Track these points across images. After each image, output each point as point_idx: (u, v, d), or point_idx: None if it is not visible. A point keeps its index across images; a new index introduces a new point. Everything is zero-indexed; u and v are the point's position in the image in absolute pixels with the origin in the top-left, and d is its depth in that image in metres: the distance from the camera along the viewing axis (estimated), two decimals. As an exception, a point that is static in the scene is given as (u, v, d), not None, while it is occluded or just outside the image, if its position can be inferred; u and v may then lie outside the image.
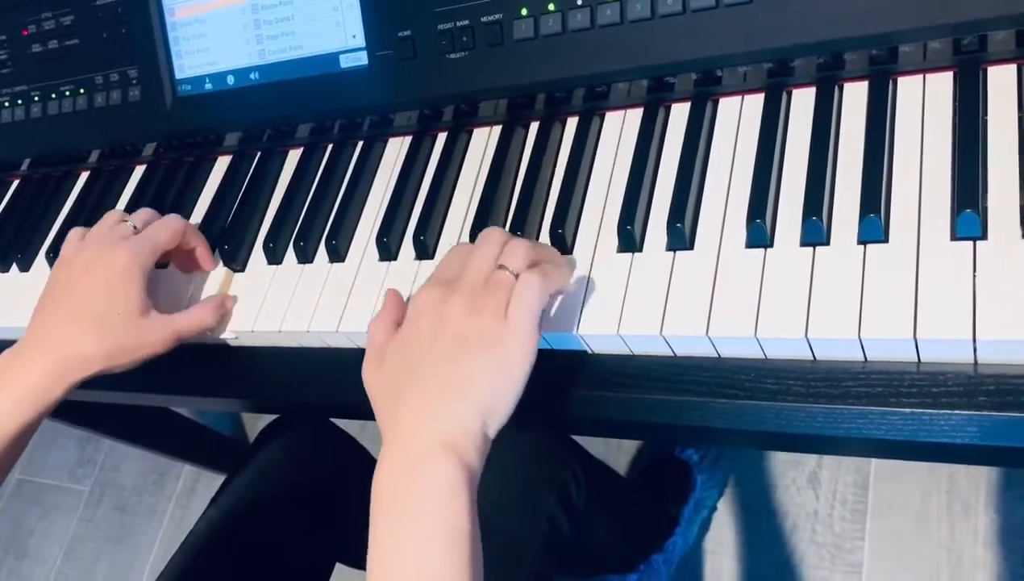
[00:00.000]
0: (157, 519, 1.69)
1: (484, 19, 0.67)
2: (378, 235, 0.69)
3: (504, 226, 0.66)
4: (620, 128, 0.67)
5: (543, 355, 0.60)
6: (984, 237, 0.50)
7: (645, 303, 0.57)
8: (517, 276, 0.53)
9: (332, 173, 0.76)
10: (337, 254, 0.71)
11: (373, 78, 0.72)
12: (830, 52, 0.59)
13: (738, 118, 0.63)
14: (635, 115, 0.67)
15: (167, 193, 0.83)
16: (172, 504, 1.69)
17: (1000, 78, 0.55)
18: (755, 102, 0.62)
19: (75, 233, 0.72)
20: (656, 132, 0.65)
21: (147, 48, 0.81)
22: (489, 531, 0.76)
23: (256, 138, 0.82)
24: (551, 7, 0.65)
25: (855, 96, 0.59)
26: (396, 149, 0.76)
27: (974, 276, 0.49)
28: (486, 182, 0.69)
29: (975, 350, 0.48)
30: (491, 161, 0.70)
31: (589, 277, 0.60)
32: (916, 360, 0.51)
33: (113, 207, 0.87)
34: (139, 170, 0.89)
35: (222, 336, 0.72)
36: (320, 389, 0.70)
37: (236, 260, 0.75)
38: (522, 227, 0.64)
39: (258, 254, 0.75)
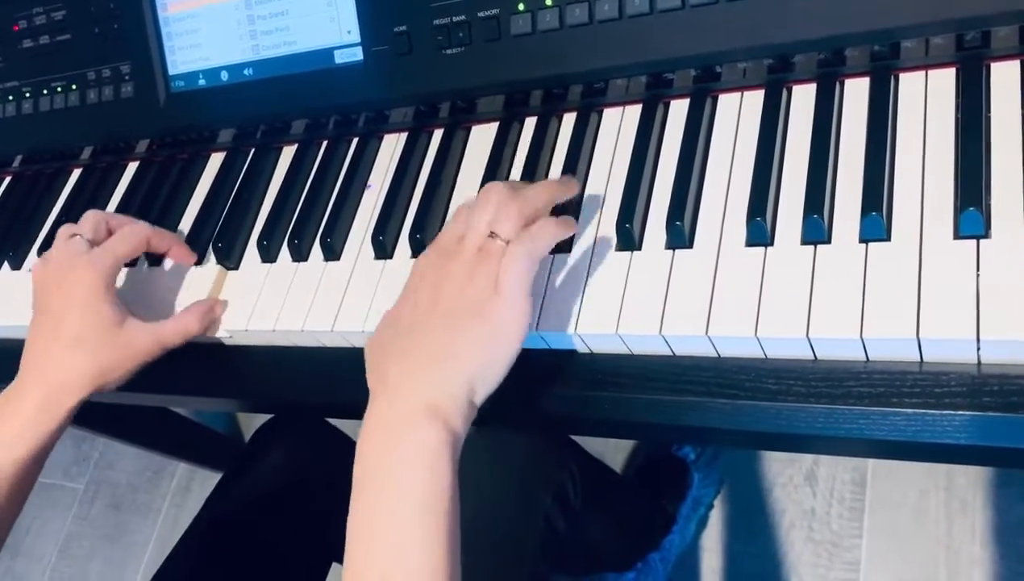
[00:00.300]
0: (152, 517, 1.69)
1: (481, 14, 0.67)
2: (374, 233, 0.68)
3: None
4: (618, 125, 0.66)
5: (540, 354, 0.59)
6: (988, 235, 0.50)
7: (644, 302, 0.56)
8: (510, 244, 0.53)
9: (327, 170, 0.75)
10: (332, 252, 0.70)
11: (368, 74, 0.72)
12: (831, 48, 0.58)
13: (738, 115, 0.62)
14: (633, 112, 0.66)
15: (160, 190, 0.83)
16: (167, 502, 1.69)
17: (1003, 74, 0.55)
18: (755, 98, 0.61)
19: (41, 259, 0.69)
20: (655, 129, 0.64)
21: (140, 43, 0.80)
22: (486, 530, 0.76)
23: (250, 135, 0.81)
24: (548, 2, 0.64)
25: (856, 93, 0.59)
26: (392, 146, 0.75)
27: (977, 275, 0.48)
28: (482, 179, 0.68)
29: (979, 350, 0.48)
30: (488, 158, 0.69)
31: (587, 275, 0.59)
32: (919, 360, 0.50)
33: (106, 204, 0.86)
34: (132, 167, 0.88)
35: (216, 335, 0.71)
36: (315, 389, 0.70)
37: (230, 258, 0.74)
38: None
39: (252, 252, 0.74)
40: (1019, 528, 1.13)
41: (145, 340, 0.67)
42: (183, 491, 1.68)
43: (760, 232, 0.55)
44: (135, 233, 0.70)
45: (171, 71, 0.80)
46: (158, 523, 1.67)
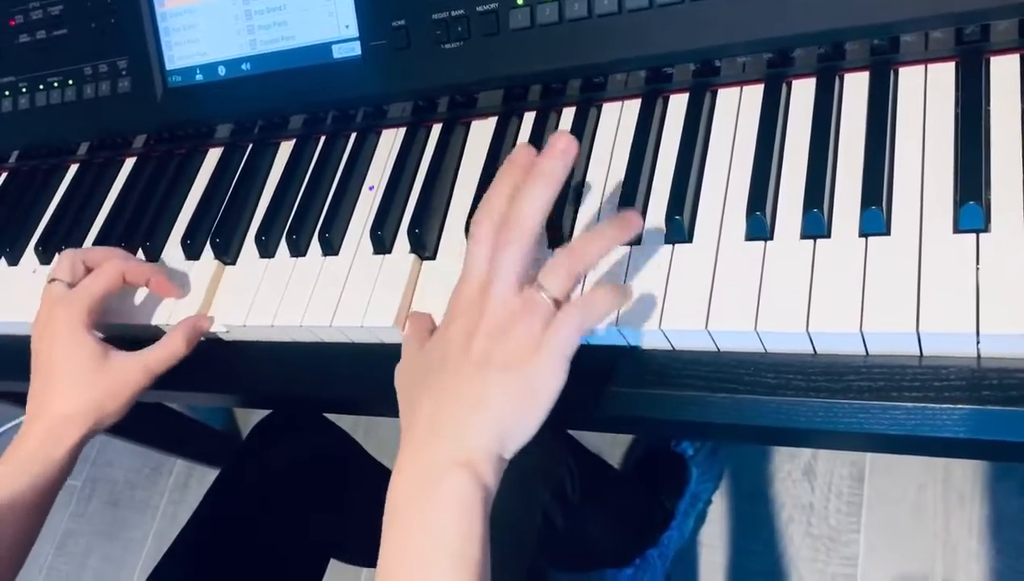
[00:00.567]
0: (150, 514, 1.68)
1: (480, 8, 0.66)
2: (372, 228, 0.68)
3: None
4: (617, 119, 0.66)
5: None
6: (987, 229, 0.50)
7: (642, 297, 0.56)
8: (557, 302, 0.50)
9: (325, 165, 0.75)
10: (330, 247, 0.70)
11: (366, 69, 0.71)
12: (831, 42, 0.58)
13: (737, 109, 0.62)
14: (632, 106, 0.66)
15: (157, 186, 0.82)
16: (165, 499, 1.68)
17: (1003, 68, 0.55)
18: (754, 93, 0.61)
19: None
20: (654, 124, 0.64)
21: (137, 38, 0.80)
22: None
23: (248, 130, 0.81)
24: (547, -4, 0.64)
25: (856, 87, 0.59)
26: (390, 141, 0.75)
27: (977, 269, 0.48)
28: (481, 174, 0.68)
29: (978, 344, 0.48)
30: (486, 152, 0.69)
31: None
32: (918, 354, 0.50)
33: (103, 200, 0.86)
34: (129, 162, 0.87)
35: (212, 329, 0.71)
36: (313, 384, 0.70)
37: (227, 254, 0.74)
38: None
39: (250, 247, 0.74)
40: (1016, 522, 1.14)
41: (133, 370, 0.68)
42: (181, 488, 1.68)
43: (760, 226, 0.55)
44: (108, 270, 0.70)
45: (168, 66, 0.80)
46: (156, 520, 1.67)
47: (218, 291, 0.73)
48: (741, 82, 0.62)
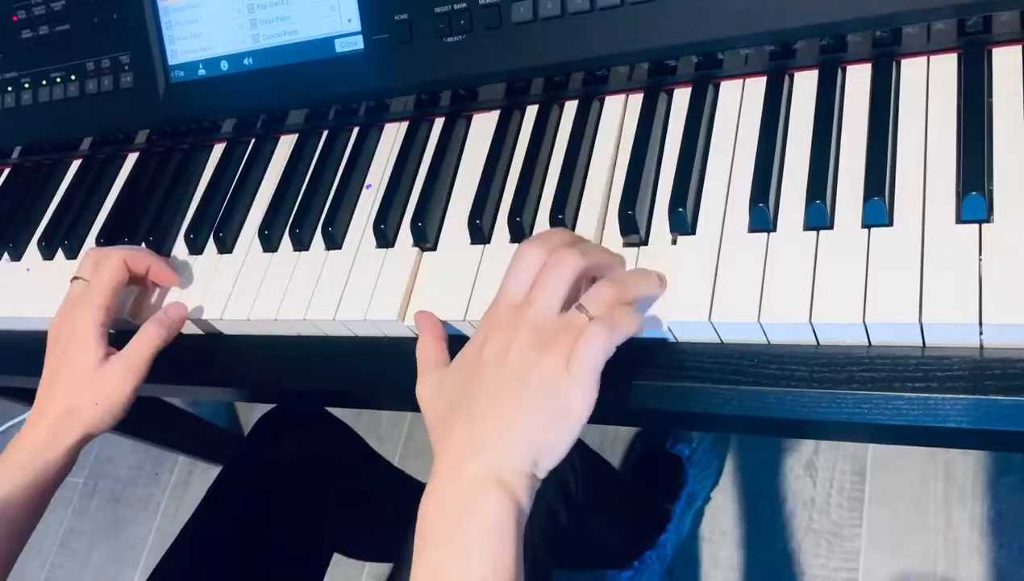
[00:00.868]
0: (151, 510, 1.69)
1: (482, 2, 0.66)
2: (375, 221, 0.68)
3: (500, 213, 0.65)
4: (620, 113, 0.66)
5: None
6: (990, 220, 0.50)
7: (646, 289, 0.56)
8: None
9: (327, 159, 0.75)
10: (333, 241, 0.70)
11: (369, 63, 0.72)
12: (833, 34, 0.58)
13: (740, 101, 0.62)
14: (635, 100, 0.66)
15: (160, 181, 0.82)
16: (166, 496, 1.69)
17: (1005, 59, 0.55)
18: (757, 85, 0.61)
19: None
20: (657, 117, 0.64)
21: (139, 33, 0.80)
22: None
23: (250, 125, 0.81)
24: (549, -10, 0.64)
25: (858, 79, 0.59)
26: (392, 135, 0.75)
27: (980, 259, 0.48)
28: (484, 168, 0.68)
29: (981, 334, 0.48)
30: (489, 146, 0.69)
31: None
32: (921, 344, 0.50)
33: (106, 196, 0.86)
34: (132, 158, 0.88)
35: (216, 325, 0.71)
36: (316, 377, 0.70)
37: (231, 248, 0.74)
38: (520, 213, 0.63)
39: (254, 242, 0.74)
40: (1018, 517, 1.14)
41: (117, 371, 0.68)
42: (183, 484, 1.68)
43: (763, 218, 0.55)
44: (110, 259, 0.70)
45: (171, 61, 0.80)
46: (158, 516, 1.67)
47: (219, 285, 0.73)
48: (744, 74, 0.63)
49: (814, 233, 0.54)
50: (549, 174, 0.66)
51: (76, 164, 0.91)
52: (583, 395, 0.49)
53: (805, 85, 0.60)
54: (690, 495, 1.24)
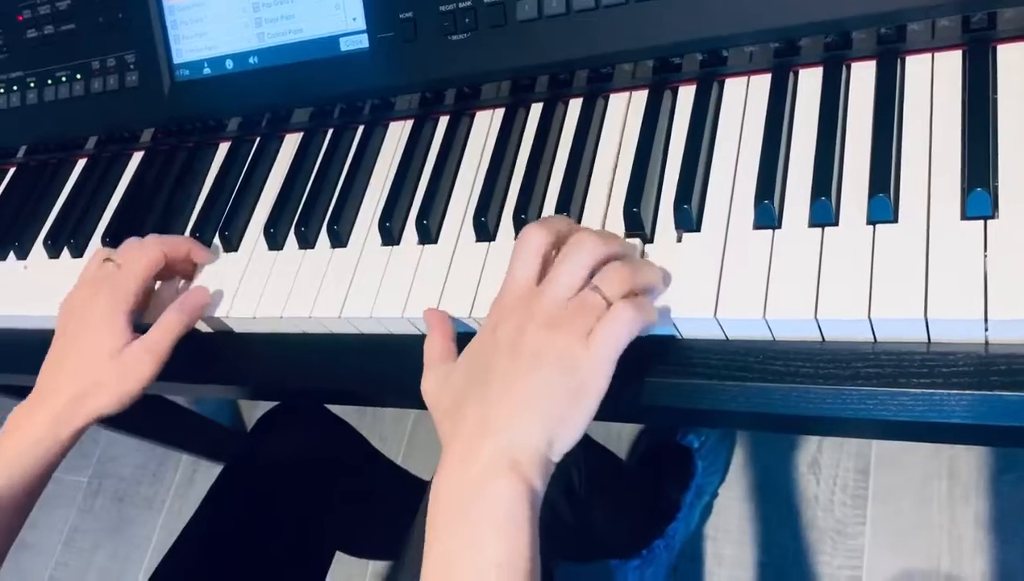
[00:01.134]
0: (156, 509, 1.69)
1: (487, 0, 0.66)
2: (380, 219, 0.69)
3: (505, 211, 0.66)
4: (625, 110, 0.66)
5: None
6: (995, 216, 0.50)
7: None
8: (610, 305, 0.50)
9: (333, 158, 0.75)
10: (339, 239, 0.70)
11: (374, 61, 0.72)
12: (837, 31, 0.58)
13: (744, 99, 0.62)
14: (640, 97, 0.66)
15: (165, 180, 0.83)
16: (171, 494, 1.69)
17: (1010, 56, 0.55)
18: (762, 82, 0.62)
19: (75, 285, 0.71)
20: (662, 114, 0.64)
21: (144, 32, 0.80)
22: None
23: (255, 123, 0.81)
24: (554, -13, 0.64)
25: (863, 76, 0.59)
26: (397, 133, 0.75)
27: (985, 255, 0.49)
28: (489, 165, 0.68)
29: (986, 330, 0.48)
30: (494, 144, 0.69)
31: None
32: (926, 340, 0.50)
33: (111, 194, 0.86)
34: (137, 157, 0.88)
35: (223, 323, 0.72)
36: (321, 375, 0.70)
37: (236, 247, 0.75)
38: (525, 210, 0.64)
39: (260, 240, 0.74)
40: (1022, 514, 1.14)
41: (137, 353, 0.66)
42: (187, 483, 1.69)
43: (768, 215, 0.55)
44: (148, 245, 0.69)
45: (176, 60, 0.80)
46: (162, 515, 1.68)
47: (225, 283, 0.73)
48: (748, 71, 0.63)
49: (819, 230, 0.54)
50: (554, 172, 0.66)
51: (81, 163, 0.91)
52: (601, 371, 0.49)
53: (810, 82, 0.60)
54: (699, 487, 1.24)
